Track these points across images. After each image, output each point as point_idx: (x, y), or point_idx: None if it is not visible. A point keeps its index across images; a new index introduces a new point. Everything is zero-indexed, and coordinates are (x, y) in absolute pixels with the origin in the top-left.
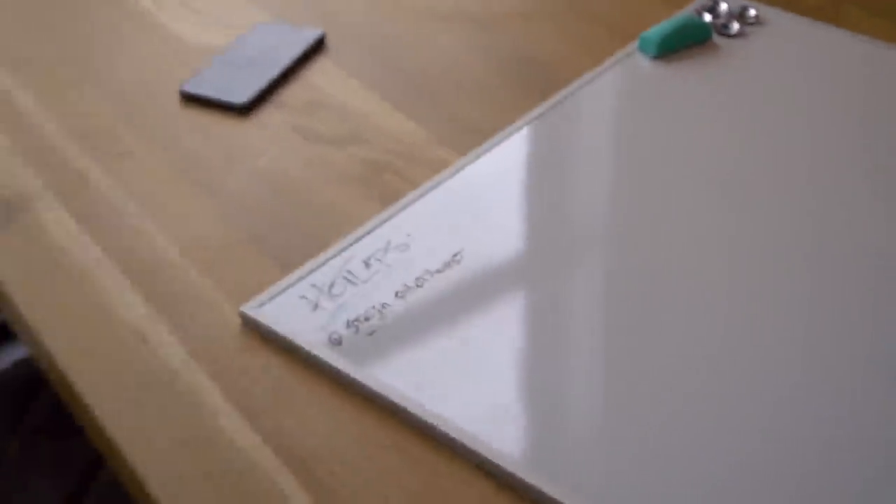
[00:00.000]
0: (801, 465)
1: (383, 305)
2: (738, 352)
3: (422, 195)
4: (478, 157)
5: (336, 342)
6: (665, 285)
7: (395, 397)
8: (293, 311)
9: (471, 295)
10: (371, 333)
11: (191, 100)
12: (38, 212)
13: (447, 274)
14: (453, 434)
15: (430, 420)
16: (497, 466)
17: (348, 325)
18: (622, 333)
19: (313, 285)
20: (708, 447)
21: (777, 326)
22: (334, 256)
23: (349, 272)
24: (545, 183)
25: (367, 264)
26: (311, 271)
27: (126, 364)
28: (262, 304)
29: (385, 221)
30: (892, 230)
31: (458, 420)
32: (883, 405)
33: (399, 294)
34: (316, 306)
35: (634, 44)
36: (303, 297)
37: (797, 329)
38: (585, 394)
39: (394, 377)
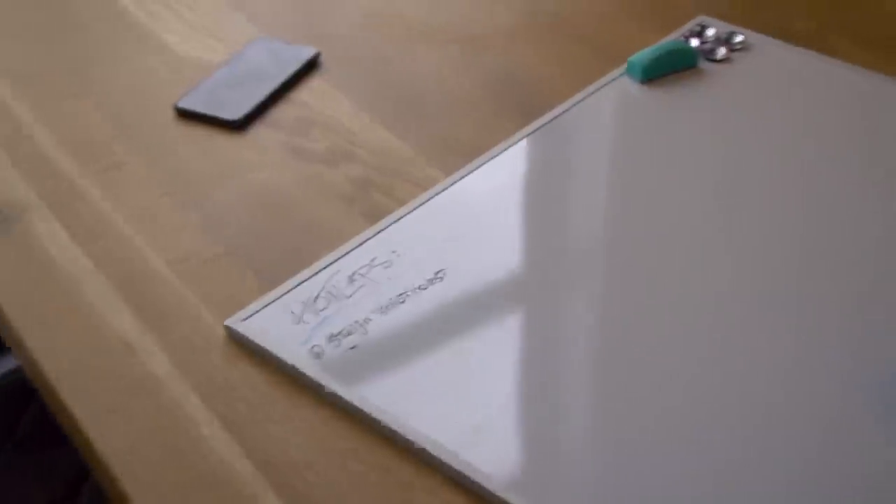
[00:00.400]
0: (784, 495)
1: (366, 320)
2: (722, 372)
3: (407, 213)
4: (464, 175)
5: (318, 355)
6: (649, 305)
7: (374, 411)
8: (276, 324)
9: (453, 312)
10: (353, 348)
11: (185, 115)
12: (31, 222)
13: (430, 291)
14: (429, 448)
15: (407, 434)
16: (472, 482)
17: (330, 339)
18: (608, 353)
19: (297, 299)
20: (694, 472)
21: (765, 344)
22: (319, 271)
23: (333, 287)
24: (532, 203)
25: (351, 280)
26: (296, 286)
27: (112, 373)
28: (246, 318)
29: (370, 238)
30: (873, 250)
31: (436, 435)
32: (863, 428)
33: (382, 310)
34: (299, 320)
35: (622, 67)
36: (287, 310)
37: (787, 350)
38: (566, 414)
39: (373, 391)
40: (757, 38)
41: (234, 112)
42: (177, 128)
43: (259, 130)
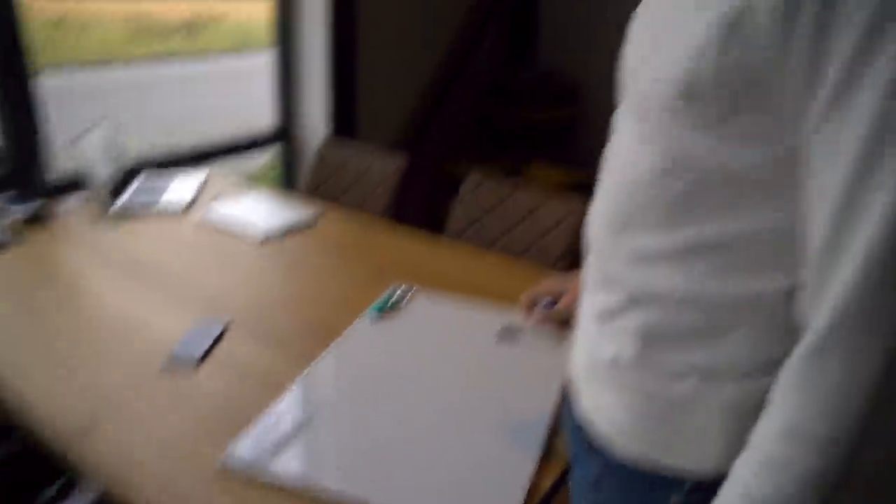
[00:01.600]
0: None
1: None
2: (423, 429)
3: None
4: (308, 371)
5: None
6: (395, 408)
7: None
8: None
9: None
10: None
11: (172, 362)
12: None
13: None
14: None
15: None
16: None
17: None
18: (383, 417)
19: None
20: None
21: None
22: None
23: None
24: (341, 372)
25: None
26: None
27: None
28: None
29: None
30: (478, 411)
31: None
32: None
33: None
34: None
35: (367, 310)
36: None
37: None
38: (382, 448)
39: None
40: (421, 291)
41: (195, 354)
42: (165, 377)
43: (208, 363)
